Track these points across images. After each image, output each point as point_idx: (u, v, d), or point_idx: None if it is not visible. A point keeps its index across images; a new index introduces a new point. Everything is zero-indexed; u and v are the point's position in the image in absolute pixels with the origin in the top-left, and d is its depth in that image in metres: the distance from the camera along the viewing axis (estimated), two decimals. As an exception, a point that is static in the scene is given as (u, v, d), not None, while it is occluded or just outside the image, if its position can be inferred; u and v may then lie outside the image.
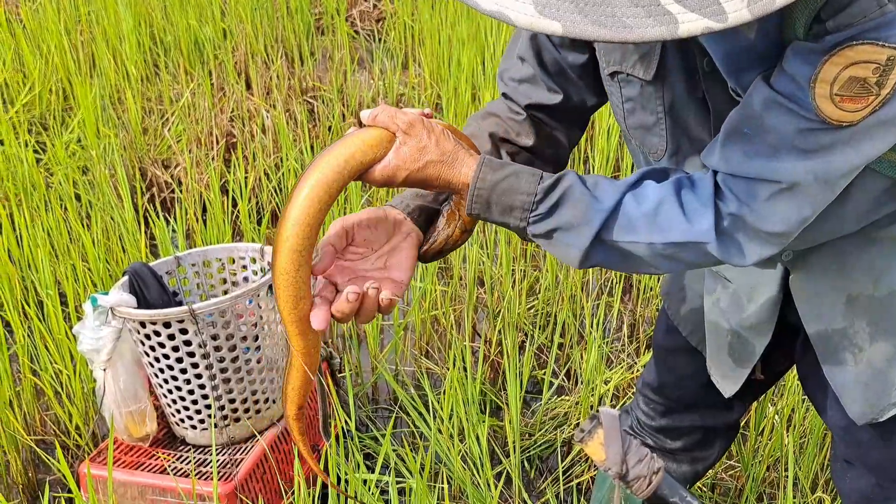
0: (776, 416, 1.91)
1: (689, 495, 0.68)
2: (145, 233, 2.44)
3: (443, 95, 3.41)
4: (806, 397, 1.92)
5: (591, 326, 2.20)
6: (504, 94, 1.17)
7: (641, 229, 0.92)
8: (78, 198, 2.74)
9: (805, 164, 0.87)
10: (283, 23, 4.18)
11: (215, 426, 1.77)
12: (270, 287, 1.75)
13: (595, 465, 1.97)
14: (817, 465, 1.84)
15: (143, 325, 1.67)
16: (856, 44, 0.80)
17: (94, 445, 1.98)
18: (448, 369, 2.23)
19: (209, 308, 1.65)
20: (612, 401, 2.14)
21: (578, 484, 1.94)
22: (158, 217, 2.40)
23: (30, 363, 2.04)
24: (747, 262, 0.94)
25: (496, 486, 1.71)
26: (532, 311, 2.39)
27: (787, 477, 1.79)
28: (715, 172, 0.93)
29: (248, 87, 3.59)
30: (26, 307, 2.15)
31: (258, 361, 1.76)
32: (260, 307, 1.75)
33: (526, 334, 2.33)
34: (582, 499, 1.93)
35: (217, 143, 3.11)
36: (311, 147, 3.11)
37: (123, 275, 1.81)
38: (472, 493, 1.76)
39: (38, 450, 1.93)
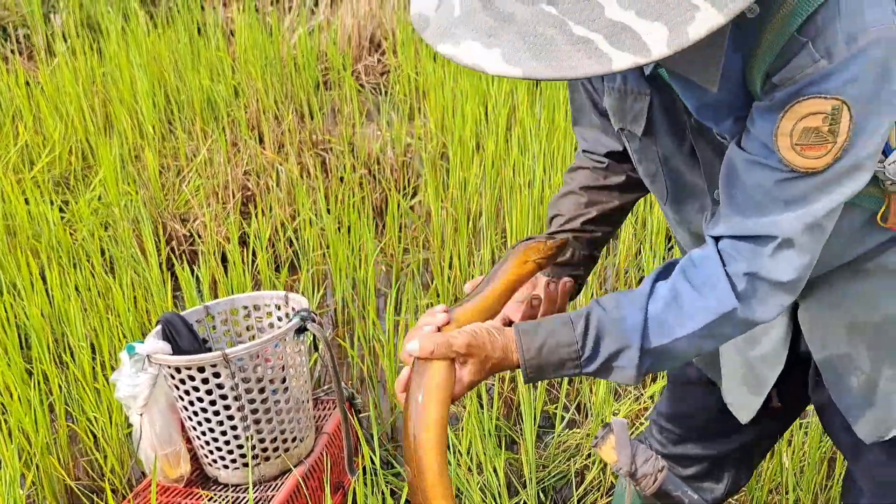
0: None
1: (689, 490, 0.78)
2: (170, 285, 2.55)
3: (448, 145, 3.55)
4: (807, 421, 2.01)
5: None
6: (584, 150, 1.33)
7: (675, 326, 1.01)
8: (102, 252, 2.87)
9: (791, 215, 0.96)
10: (292, 79, 4.35)
11: (245, 465, 1.87)
12: (297, 331, 1.87)
13: (606, 490, 2.05)
14: (817, 487, 1.92)
15: (178, 370, 1.78)
16: (802, 99, 0.91)
17: (129, 489, 2.06)
18: (463, 407, 2.33)
19: (241, 353, 1.76)
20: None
21: (592, 513, 2.03)
22: (183, 269, 2.51)
23: (66, 410, 2.14)
24: (773, 316, 1.03)
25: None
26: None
27: (789, 499, 1.88)
28: (717, 240, 1.03)
29: (261, 141, 3.75)
30: (63, 356, 2.25)
31: (286, 402, 1.86)
32: (287, 351, 1.85)
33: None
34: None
35: (233, 196, 3.25)
36: (325, 197, 3.24)
37: (157, 324, 1.92)
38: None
39: (78, 491, 2.01)
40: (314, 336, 1.92)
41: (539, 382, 2.03)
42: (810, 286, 1.20)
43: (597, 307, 1.03)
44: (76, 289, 2.49)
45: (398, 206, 3.12)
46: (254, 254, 2.85)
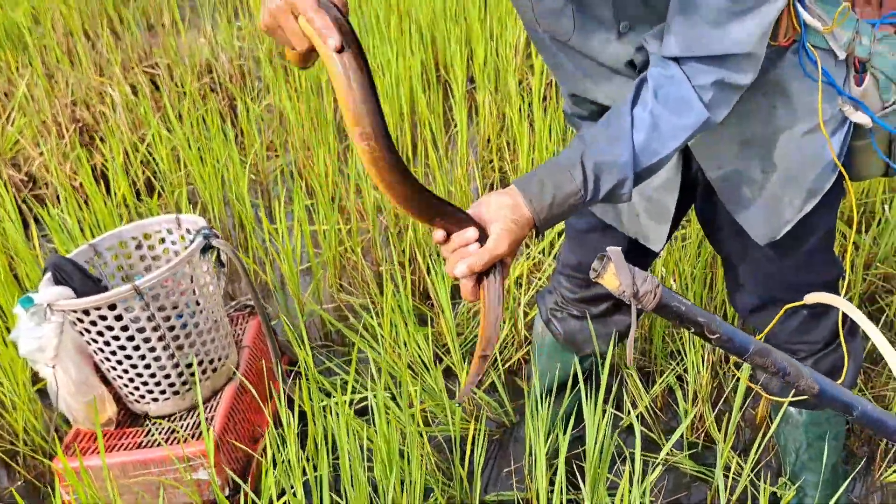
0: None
1: (683, 300, 0.87)
2: (36, 234, 2.37)
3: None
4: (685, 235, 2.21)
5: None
6: None
7: (659, 148, 1.09)
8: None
9: (749, 25, 1.04)
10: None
11: (176, 393, 1.83)
12: (203, 250, 1.81)
13: (521, 343, 2.18)
14: (704, 298, 2.14)
15: (86, 313, 1.69)
16: None
17: (58, 443, 1.98)
18: (365, 297, 2.37)
19: (152, 281, 1.69)
20: (519, 289, 2.35)
21: (510, 366, 2.16)
22: (39, 215, 2.34)
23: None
24: (726, 114, 1.12)
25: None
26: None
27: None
28: (677, 61, 1.08)
29: (73, 66, 3.45)
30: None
31: (205, 323, 1.83)
32: (196, 271, 1.80)
33: (425, 249, 2.50)
34: (515, 378, 2.15)
35: (67, 130, 3.01)
36: (165, 116, 3.07)
37: (45, 271, 1.80)
38: (427, 395, 1.93)
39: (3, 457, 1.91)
40: (217, 252, 1.87)
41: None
42: None
43: (587, 150, 1.07)
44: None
45: (248, 111, 3.01)
46: (107, 186, 2.69)
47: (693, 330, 0.91)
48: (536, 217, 1.06)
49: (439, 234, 1.04)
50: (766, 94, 1.26)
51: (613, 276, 0.84)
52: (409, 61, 3.02)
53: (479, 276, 1.06)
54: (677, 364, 1.96)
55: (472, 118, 3.07)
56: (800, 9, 1.20)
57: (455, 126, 2.90)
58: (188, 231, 1.93)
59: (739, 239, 1.43)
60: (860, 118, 1.29)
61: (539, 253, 2.37)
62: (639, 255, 1.54)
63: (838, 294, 1.48)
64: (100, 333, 1.72)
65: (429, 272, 2.31)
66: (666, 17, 1.12)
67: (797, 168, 1.32)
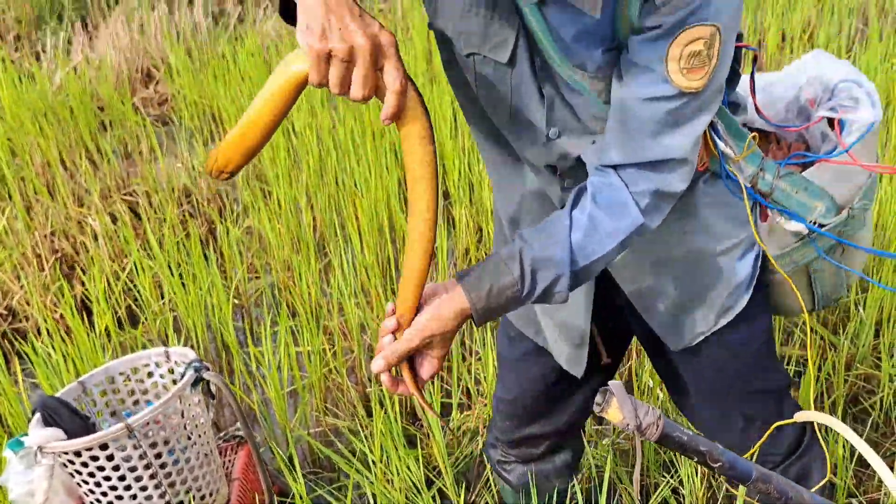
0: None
1: (685, 430, 0.90)
2: (7, 370, 2.35)
3: (266, 163, 3.51)
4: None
5: (481, 343, 2.41)
6: None
7: (596, 248, 1.14)
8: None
9: (683, 136, 1.12)
10: (70, 125, 4.07)
11: (167, 532, 1.79)
12: (195, 383, 1.81)
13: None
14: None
15: (78, 454, 1.67)
16: (688, 27, 1.04)
17: None
18: (352, 420, 2.36)
19: (144, 419, 1.68)
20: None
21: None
22: (14, 351, 2.32)
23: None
24: (659, 222, 1.19)
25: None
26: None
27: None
28: (615, 168, 1.16)
29: (53, 197, 3.49)
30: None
31: (195, 457, 1.81)
32: (187, 405, 1.79)
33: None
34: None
35: (47, 262, 3.02)
36: (145, 243, 3.10)
37: (33, 412, 1.78)
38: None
39: None
40: (207, 383, 1.87)
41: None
42: None
43: (525, 246, 1.13)
44: None
45: (228, 234, 3.06)
46: (89, 316, 2.69)
47: (696, 459, 0.93)
48: (473, 307, 1.11)
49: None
50: (678, 219, 1.33)
51: (617, 409, 0.87)
52: (385, 180, 3.11)
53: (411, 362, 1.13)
54: (671, 476, 1.97)
55: (450, 231, 3.14)
56: (716, 137, 1.29)
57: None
58: (177, 363, 1.93)
59: (662, 351, 1.49)
60: (794, 226, 1.38)
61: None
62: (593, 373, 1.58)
63: (788, 401, 1.52)
64: (91, 474, 1.70)
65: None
66: (592, 129, 1.22)
67: (709, 287, 1.40)
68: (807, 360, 2.33)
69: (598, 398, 0.91)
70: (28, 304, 2.82)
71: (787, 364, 2.23)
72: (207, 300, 2.68)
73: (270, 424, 2.34)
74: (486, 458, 1.81)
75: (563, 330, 1.48)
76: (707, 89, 1.09)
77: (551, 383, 1.60)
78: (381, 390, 2.31)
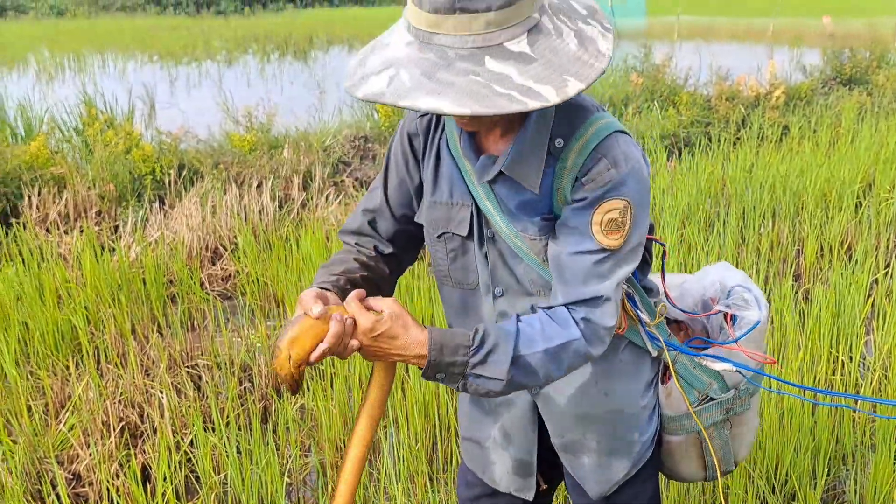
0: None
1: None
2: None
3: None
4: None
5: None
6: (358, 233, 1.67)
7: (539, 342, 1.39)
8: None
9: (606, 282, 1.41)
10: (142, 299, 4.39)
11: None
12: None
13: None
14: None
15: None
16: (606, 200, 1.38)
17: None
18: None
19: None
20: None
21: None
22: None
23: None
24: (602, 350, 1.45)
25: None
26: None
27: None
28: (564, 306, 1.43)
29: (125, 365, 3.73)
30: None
31: None
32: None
33: None
34: None
35: (113, 430, 3.21)
36: (205, 416, 3.29)
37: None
38: None
39: None
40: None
41: None
42: (551, 388, 1.63)
43: (482, 324, 1.40)
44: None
45: (280, 412, 3.23)
46: (145, 484, 2.83)
47: None
48: (430, 349, 1.33)
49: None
50: (597, 382, 1.62)
51: None
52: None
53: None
54: None
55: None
56: (633, 306, 1.59)
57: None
58: None
59: (584, 492, 1.73)
60: (677, 313, 1.74)
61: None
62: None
63: None
64: None
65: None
66: (530, 291, 1.52)
67: (627, 438, 1.66)
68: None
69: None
70: (92, 471, 2.98)
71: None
72: (262, 476, 2.82)
73: None
74: None
75: (515, 464, 1.73)
76: (623, 248, 1.41)
77: None
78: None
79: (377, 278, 1.60)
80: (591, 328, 1.42)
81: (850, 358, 3.51)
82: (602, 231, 1.38)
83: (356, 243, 1.66)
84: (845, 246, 4.75)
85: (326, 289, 1.46)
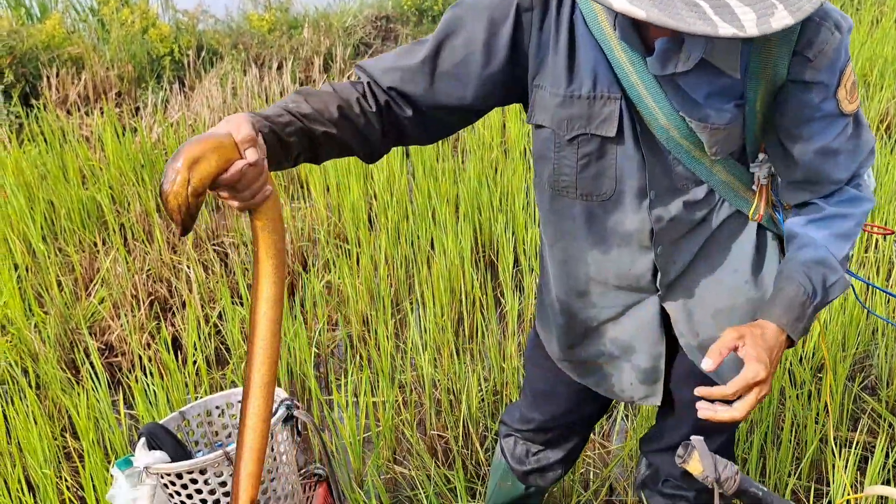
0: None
1: (759, 485, 1.00)
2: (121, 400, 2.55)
3: (346, 223, 3.73)
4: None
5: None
6: (377, 85, 1.39)
7: (844, 236, 1.34)
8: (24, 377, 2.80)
9: (866, 140, 1.35)
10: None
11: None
12: (285, 420, 1.97)
13: None
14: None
15: (179, 476, 1.84)
16: (845, 66, 1.26)
17: None
18: (419, 470, 2.49)
19: (241, 449, 1.84)
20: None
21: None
22: (118, 383, 2.52)
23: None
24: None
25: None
26: (484, 402, 2.70)
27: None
28: (839, 186, 1.36)
29: (149, 243, 3.75)
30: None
31: (283, 489, 1.96)
32: (277, 440, 1.95)
33: (479, 423, 2.64)
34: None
35: (143, 302, 3.25)
36: (231, 289, 3.32)
37: (139, 436, 1.96)
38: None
39: None
40: (295, 423, 2.03)
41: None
42: (675, 288, 1.51)
43: (789, 263, 1.32)
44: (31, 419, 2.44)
45: (307, 287, 3.25)
46: (176, 355, 2.89)
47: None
48: (784, 325, 1.25)
49: None
50: (736, 270, 1.49)
51: (698, 462, 0.99)
52: (459, 246, 3.29)
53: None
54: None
55: (520, 298, 3.29)
56: (774, 192, 1.46)
57: (504, 304, 3.11)
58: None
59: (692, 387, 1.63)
60: None
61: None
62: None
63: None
64: (189, 496, 1.86)
65: (482, 444, 2.44)
66: (678, 188, 1.38)
67: None
68: (874, 445, 2.39)
69: (679, 451, 1.04)
70: (124, 341, 3.03)
71: (855, 448, 2.28)
72: (291, 345, 2.86)
73: (346, 467, 2.48)
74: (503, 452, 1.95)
75: (641, 373, 1.62)
76: (859, 107, 1.34)
77: (583, 402, 1.78)
78: (449, 444, 2.43)
79: (347, 138, 1.35)
80: (869, 178, 1.40)
81: (885, 237, 3.44)
82: (847, 99, 1.28)
83: (365, 90, 1.38)
84: (885, 124, 4.61)
85: (262, 131, 1.20)
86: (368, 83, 1.40)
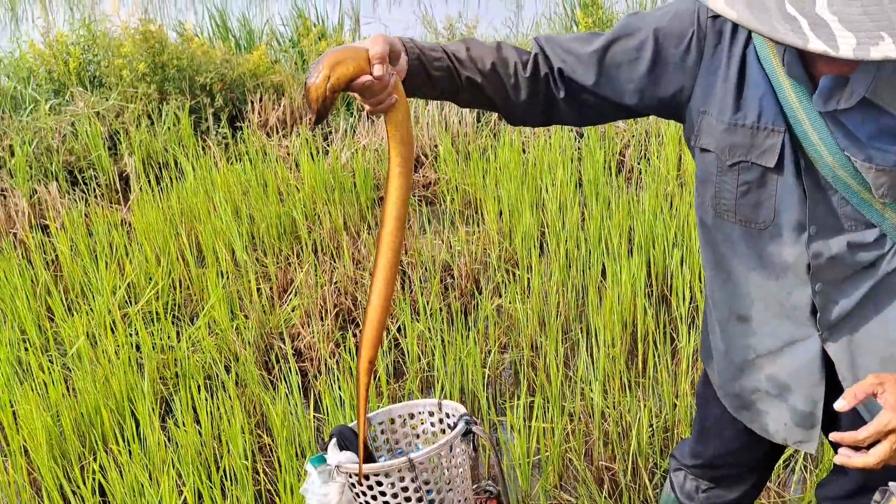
0: None
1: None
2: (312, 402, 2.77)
3: (517, 248, 3.83)
4: None
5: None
6: (549, 63, 1.47)
7: None
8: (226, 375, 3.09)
9: None
10: (352, 199, 4.67)
11: (425, 562, 2.05)
12: (464, 434, 2.08)
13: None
14: None
15: (366, 477, 1.99)
16: None
17: None
18: (586, 500, 2.52)
19: (423, 457, 1.97)
20: None
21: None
22: (308, 387, 2.73)
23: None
24: None
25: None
26: (654, 437, 2.70)
27: None
28: None
29: (337, 259, 4.02)
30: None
31: (458, 502, 2.07)
32: (455, 452, 2.07)
33: (648, 459, 2.64)
34: None
35: (330, 313, 3.50)
36: (426, 306, 3.50)
37: (331, 437, 2.13)
38: None
39: None
40: (473, 438, 2.14)
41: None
42: (839, 330, 1.45)
43: None
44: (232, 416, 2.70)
45: (480, 309, 3.37)
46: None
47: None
48: None
49: None
50: None
51: (895, 507, 0.99)
52: (633, 278, 3.31)
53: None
54: None
55: (693, 334, 3.25)
56: None
57: (678, 341, 3.09)
58: (447, 415, 2.21)
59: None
60: None
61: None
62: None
63: None
64: (374, 497, 2.00)
65: (651, 479, 2.44)
66: (844, 228, 1.35)
67: None
68: None
69: (876, 496, 1.04)
70: (312, 348, 3.28)
71: None
72: (463, 365, 2.98)
73: (514, 488, 2.56)
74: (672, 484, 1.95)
75: (796, 415, 1.57)
76: None
77: (751, 443, 1.74)
78: (616, 476, 2.46)
79: (490, 91, 1.45)
80: None
81: None
82: None
83: (529, 59, 1.46)
84: None
85: (409, 56, 1.37)
86: (536, 55, 1.48)
